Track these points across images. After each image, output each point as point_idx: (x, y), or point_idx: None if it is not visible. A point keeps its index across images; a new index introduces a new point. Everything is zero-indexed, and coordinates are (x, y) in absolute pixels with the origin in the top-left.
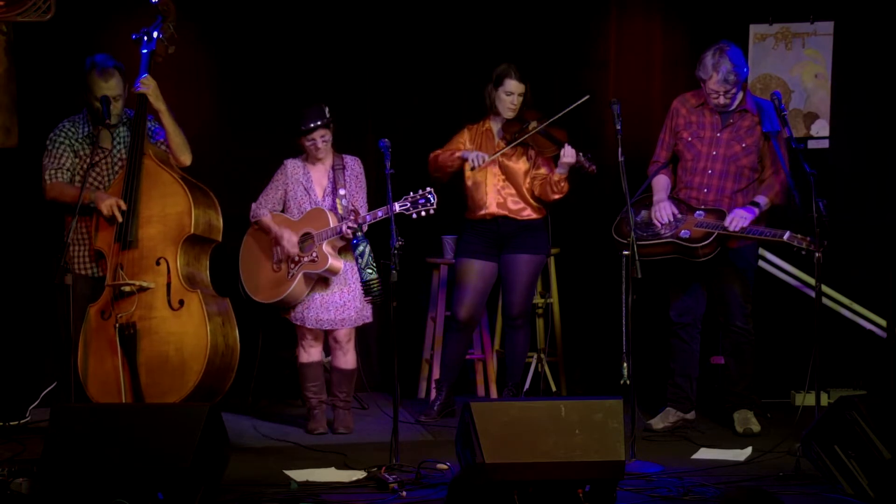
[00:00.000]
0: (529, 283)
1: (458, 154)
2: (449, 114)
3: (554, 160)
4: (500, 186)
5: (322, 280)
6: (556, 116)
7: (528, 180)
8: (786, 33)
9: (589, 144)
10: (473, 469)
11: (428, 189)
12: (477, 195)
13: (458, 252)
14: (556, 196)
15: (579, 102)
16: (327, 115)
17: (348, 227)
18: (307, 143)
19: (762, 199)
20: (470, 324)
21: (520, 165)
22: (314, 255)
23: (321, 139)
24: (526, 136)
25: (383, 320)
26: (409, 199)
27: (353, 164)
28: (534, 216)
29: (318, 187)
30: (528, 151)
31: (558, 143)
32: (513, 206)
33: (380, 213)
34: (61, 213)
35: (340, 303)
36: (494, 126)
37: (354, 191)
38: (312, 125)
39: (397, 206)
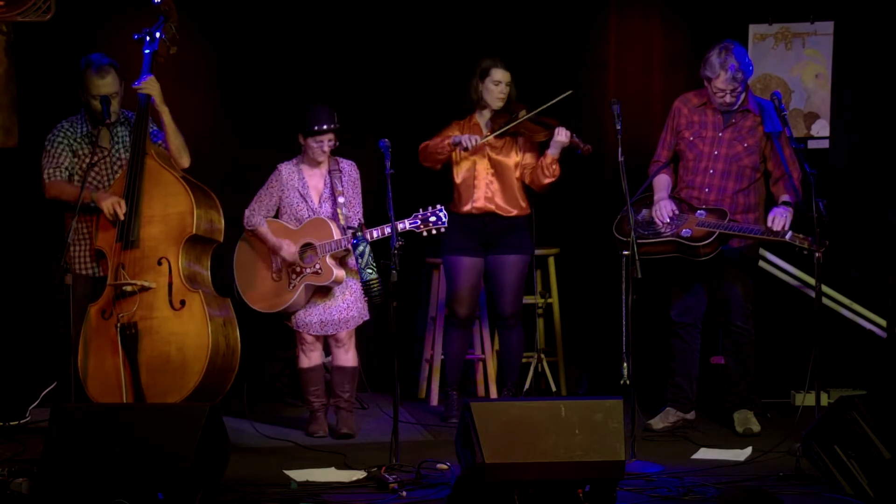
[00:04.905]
0: (519, 284)
1: (448, 140)
2: (450, 115)
3: (544, 146)
4: (489, 181)
5: (323, 287)
6: (543, 107)
7: (517, 172)
8: (786, 33)
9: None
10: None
11: (438, 207)
12: (464, 188)
13: (447, 249)
14: (549, 180)
15: (563, 97)
16: (336, 120)
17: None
18: (313, 145)
19: (791, 199)
20: (471, 319)
21: (510, 159)
22: (317, 266)
23: (328, 142)
24: (517, 122)
25: (383, 320)
26: (420, 217)
27: (351, 170)
28: (519, 214)
29: (314, 193)
30: (517, 143)
31: (549, 126)
32: (500, 202)
33: (387, 230)
34: (61, 212)
35: (344, 306)
36: (481, 120)
37: (351, 196)
38: (326, 127)
39: (407, 224)
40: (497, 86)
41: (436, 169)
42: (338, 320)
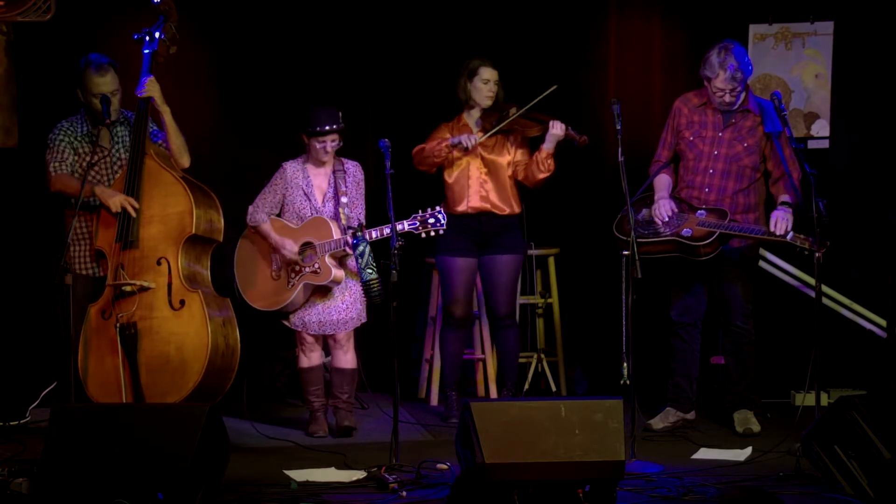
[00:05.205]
0: (514, 283)
1: (445, 143)
2: (450, 115)
3: (536, 142)
4: (483, 180)
5: (322, 286)
6: (532, 103)
7: (510, 170)
8: (786, 33)
9: (589, 144)
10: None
11: (437, 208)
12: (458, 188)
13: (441, 250)
14: (543, 175)
15: (549, 92)
16: (341, 121)
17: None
18: (317, 145)
19: (790, 199)
20: (467, 320)
21: (503, 158)
22: (316, 266)
23: (331, 143)
24: (511, 118)
25: (383, 320)
26: (419, 218)
27: (355, 171)
28: (512, 213)
29: (318, 192)
30: (508, 141)
31: (542, 121)
32: (495, 201)
33: (387, 230)
34: (62, 211)
35: (343, 306)
36: (470, 120)
37: (354, 197)
38: (328, 128)
39: (406, 225)
40: (486, 84)
41: (430, 173)
42: (336, 321)
